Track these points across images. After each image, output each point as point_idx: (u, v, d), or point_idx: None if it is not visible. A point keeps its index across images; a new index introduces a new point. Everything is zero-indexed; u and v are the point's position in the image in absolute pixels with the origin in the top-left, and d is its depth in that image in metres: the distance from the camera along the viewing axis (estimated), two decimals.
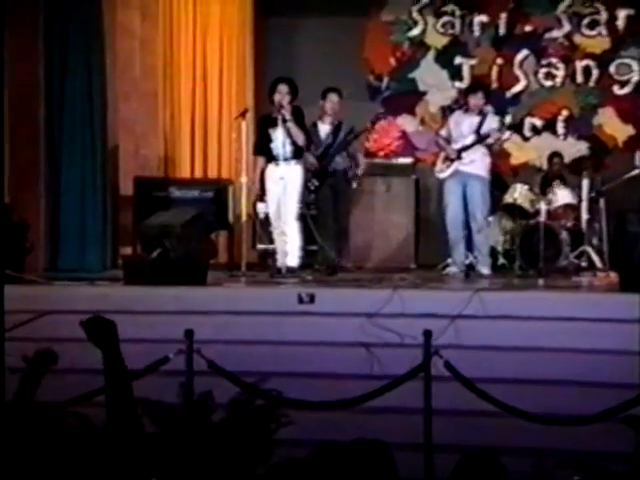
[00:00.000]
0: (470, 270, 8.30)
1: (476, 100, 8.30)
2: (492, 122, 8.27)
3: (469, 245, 8.40)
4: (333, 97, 8.12)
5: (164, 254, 6.93)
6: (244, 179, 7.90)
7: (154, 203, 8.54)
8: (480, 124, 8.18)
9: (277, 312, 6.36)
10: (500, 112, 8.92)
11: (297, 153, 7.76)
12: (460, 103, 9.22)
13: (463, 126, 8.26)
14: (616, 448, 4.78)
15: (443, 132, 8.52)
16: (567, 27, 9.66)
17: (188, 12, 9.62)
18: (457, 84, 9.80)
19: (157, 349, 5.10)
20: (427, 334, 4.91)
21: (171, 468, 4.40)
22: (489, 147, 8.19)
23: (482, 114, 8.28)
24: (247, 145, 7.97)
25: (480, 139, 8.11)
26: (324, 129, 8.18)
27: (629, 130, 9.61)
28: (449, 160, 8.21)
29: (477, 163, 8.13)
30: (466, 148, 8.14)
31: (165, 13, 9.63)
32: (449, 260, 8.38)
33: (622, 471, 4.23)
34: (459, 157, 8.15)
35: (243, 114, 8.01)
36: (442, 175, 8.30)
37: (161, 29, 9.58)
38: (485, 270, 8.19)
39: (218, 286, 7.18)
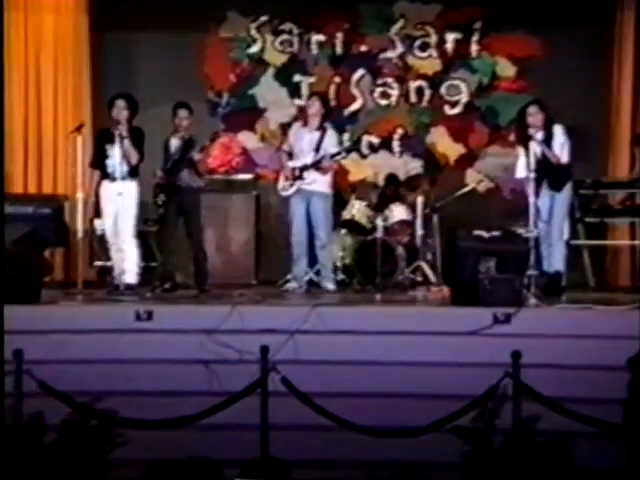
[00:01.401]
0: (310, 286, 8.41)
1: (313, 109, 8.35)
2: (331, 142, 8.33)
3: (310, 261, 8.50)
4: (181, 113, 8.10)
5: None
6: (80, 195, 7.79)
7: None
8: (320, 141, 8.27)
9: (114, 330, 6.27)
10: (338, 129, 9.07)
11: (133, 172, 7.72)
12: (299, 119, 9.31)
13: (303, 142, 8.33)
14: (445, 458, 4.94)
15: (285, 146, 8.60)
16: (400, 48, 9.98)
17: (19, 23, 9.39)
18: (296, 101, 9.95)
19: None
20: (264, 350, 4.98)
21: None
22: (327, 169, 8.26)
23: (322, 129, 8.33)
24: (83, 160, 7.88)
25: (317, 162, 8.21)
26: (174, 144, 8.15)
27: (460, 149, 9.98)
28: (292, 179, 8.28)
29: (319, 181, 8.24)
30: (306, 168, 8.23)
31: None
32: (289, 276, 8.45)
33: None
34: (301, 177, 8.23)
35: (78, 128, 7.87)
36: (285, 193, 8.35)
37: None
38: (330, 285, 8.32)
39: (52, 304, 7.01)
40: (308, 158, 8.26)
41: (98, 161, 7.78)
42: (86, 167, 8.01)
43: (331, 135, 8.39)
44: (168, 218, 8.05)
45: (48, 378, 4.87)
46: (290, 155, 8.43)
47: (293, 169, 8.27)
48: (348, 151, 9.04)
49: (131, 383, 5.86)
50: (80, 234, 7.89)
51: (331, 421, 4.90)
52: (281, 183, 8.39)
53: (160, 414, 5.07)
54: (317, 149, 8.26)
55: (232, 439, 5.34)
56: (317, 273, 8.57)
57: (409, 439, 4.98)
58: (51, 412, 4.80)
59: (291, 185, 8.27)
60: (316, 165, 8.21)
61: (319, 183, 8.24)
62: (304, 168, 8.24)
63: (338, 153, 8.34)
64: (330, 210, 8.36)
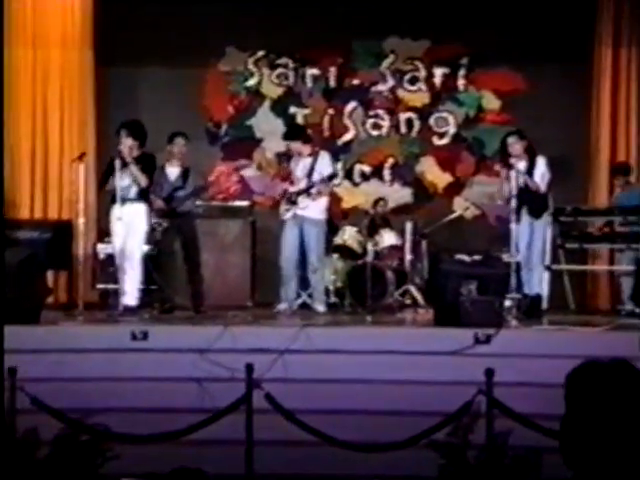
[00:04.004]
0: (303, 308, 8.59)
1: (294, 146, 8.57)
2: (323, 164, 8.49)
3: (302, 284, 8.72)
4: (179, 141, 8.35)
5: None
6: (82, 220, 8.02)
7: None
8: (312, 165, 8.45)
9: (110, 349, 6.42)
10: (332, 159, 9.33)
11: (141, 195, 7.94)
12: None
13: (298, 169, 8.53)
14: (422, 472, 5.02)
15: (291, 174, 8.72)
16: (391, 82, 10.25)
17: (27, 58, 9.65)
18: None
19: None
20: (249, 368, 5.14)
21: None
22: (320, 193, 8.42)
23: (314, 155, 8.51)
24: (85, 187, 8.14)
25: (309, 187, 8.41)
26: (173, 172, 8.36)
27: (447, 177, 10.23)
28: (290, 202, 8.47)
29: (311, 207, 8.41)
30: (300, 193, 8.43)
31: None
32: (281, 297, 8.58)
33: None
34: (295, 202, 8.42)
35: (81, 157, 8.15)
36: (285, 217, 8.53)
37: None
38: (321, 308, 8.49)
39: (52, 324, 7.17)
40: (302, 183, 8.47)
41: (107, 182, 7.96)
42: (88, 193, 8.22)
43: (323, 157, 8.55)
44: (167, 242, 8.25)
45: (45, 395, 4.99)
46: (292, 182, 8.61)
47: (290, 194, 8.50)
48: (332, 177, 9.15)
49: (125, 400, 5.98)
50: (82, 258, 8.14)
51: (313, 436, 5.04)
52: (281, 207, 8.60)
53: (153, 430, 5.18)
54: (309, 174, 8.44)
55: (219, 454, 5.40)
56: (310, 296, 8.76)
57: (388, 453, 5.10)
58: (45, 428, 4.87)
59: (287, 210, 8.49)
60: (307, 190, 8.41)
61: (312, 209, 8.42)
62: (298, 193, 8.44)
63: (330, 176, 8.45)
64: (322, 236, 8.51)
